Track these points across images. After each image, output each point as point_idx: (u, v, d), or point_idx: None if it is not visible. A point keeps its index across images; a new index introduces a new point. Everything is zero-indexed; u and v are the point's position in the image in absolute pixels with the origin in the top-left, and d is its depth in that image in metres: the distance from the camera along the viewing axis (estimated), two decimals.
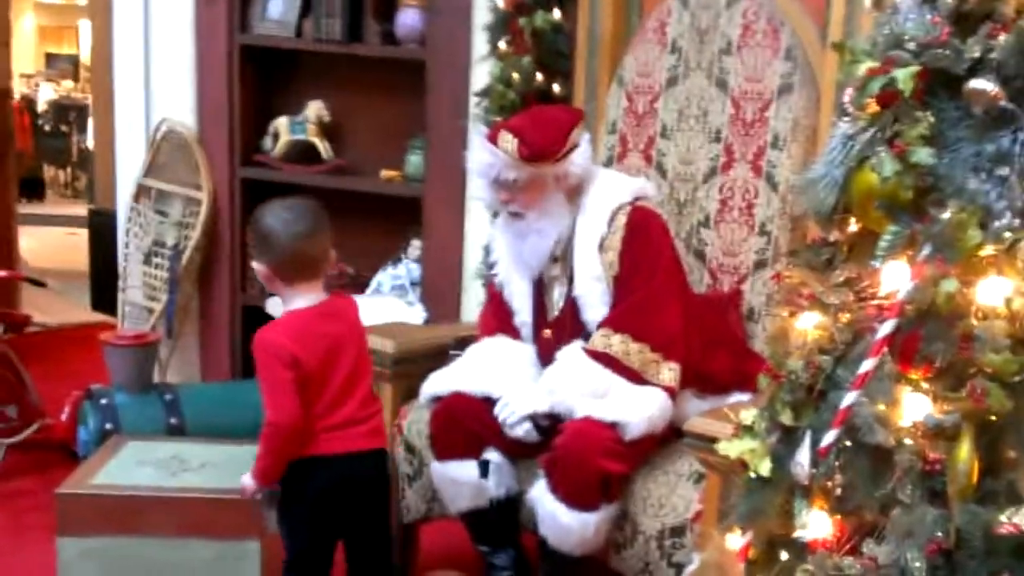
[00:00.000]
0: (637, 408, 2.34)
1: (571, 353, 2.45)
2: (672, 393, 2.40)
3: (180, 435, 3.17)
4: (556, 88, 3.10)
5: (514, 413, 2.42)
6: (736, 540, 1.65)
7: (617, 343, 2.40)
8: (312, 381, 2.21)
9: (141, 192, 4.00)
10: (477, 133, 2.53)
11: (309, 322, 2.24)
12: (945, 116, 1.53)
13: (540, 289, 2.60)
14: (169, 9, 3.92)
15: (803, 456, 1.57)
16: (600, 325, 2.45)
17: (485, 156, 2.46)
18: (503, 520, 2.55)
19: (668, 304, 2.45)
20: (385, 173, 3.77)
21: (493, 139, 2.46)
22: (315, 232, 2.25)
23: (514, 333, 2.64)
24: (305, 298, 2.26)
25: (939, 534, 1.42)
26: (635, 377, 2.39)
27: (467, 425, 2.50)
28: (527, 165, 2.43)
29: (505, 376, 2.51)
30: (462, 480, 2.51)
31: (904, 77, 1.52)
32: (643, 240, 2.47)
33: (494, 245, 2.72)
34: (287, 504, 2.32)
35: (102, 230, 5.41)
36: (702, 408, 2.36)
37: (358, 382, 2.28)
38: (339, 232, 3.87)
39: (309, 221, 2.25)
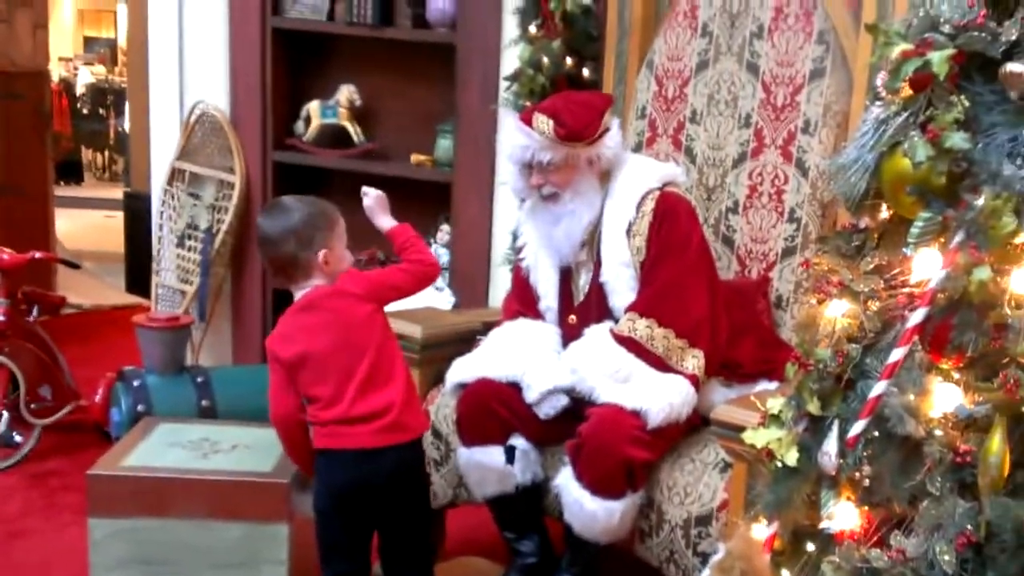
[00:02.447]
0: (658, 395, 2.33)
1: (597, 333, 2.44)
2: (695, 382, 2.39)
3: (211, 417, 3.19)
4: (586, 72, 3.08)
5: (539, 393, 2.42)
6: (762, 530, 1.64)
7: (642, 328, 2.39)
8: (300, 376, 2.22)
9: (175, 175, 4.03)
10: (510, 116, 2.52)
11: (290, 316, 2.28)
12: (980, 100, 1.51)
13: (566, 274, 2.59)
14: None
15: (830, 446, 1.56)
16: (627, 309, 2.44)
17: (520, 138, 2.46)
18: (528, 506, 2.55)
19: (696, 290, 2.43)
20: (415, 157, 3.76)
21: (527, 121, 2.45)
22: (281, 238, 2.22)
23: (538, 318, 2.63)
24: (298, 294, 2.30)
25: (969, 527, 1.40)
26: (658, 363, 2.37)
27: (493, 411, 2.49)
28: (562, 145, 2.43)
29: (529, 359, 2.50)
30: (488, 466, 2.51)
31: (938, 60, 1.50)
32: (671, 225, 2.45)
33: (522, 230, 2.71)
34: (314, 497, 2.33)
35: (137, 213, 5.46)
36: (728, 396, 2.35)
37: (352, 372, 2.20)
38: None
39: (278, 226, 2.24)
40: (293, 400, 2.25)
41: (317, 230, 2.25)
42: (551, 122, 2.42)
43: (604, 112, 2.50)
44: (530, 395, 2.44)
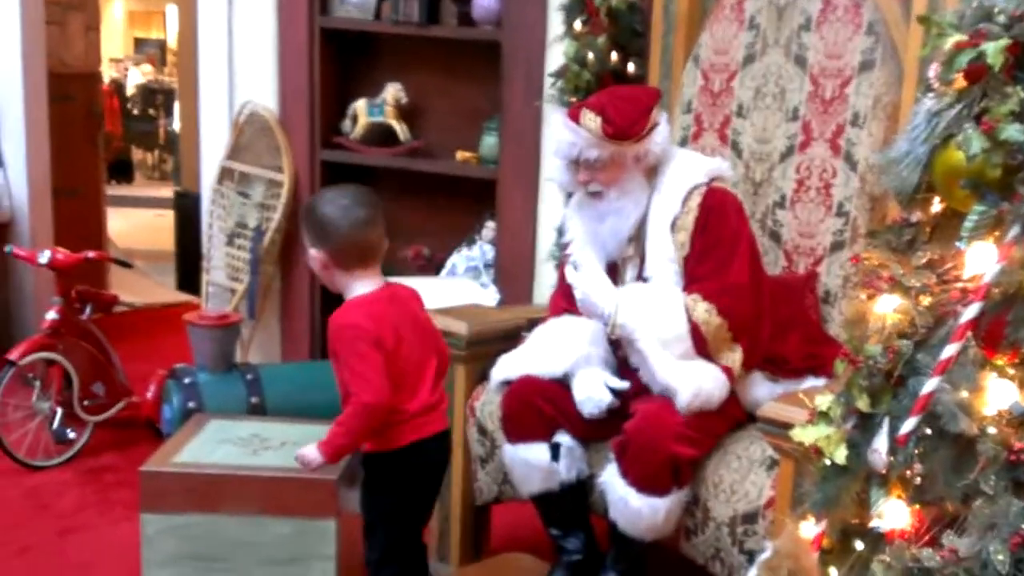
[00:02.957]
0: (690, 377, 2.32)
1: (666, 288, 2.42)
2: (729, 374, 2.37)
3: (261, 414, 3.22)
4: (631, 67, 3.07)
5: (596, 404, 2.42)
6: (810, 528, 1.62)
7: (702, 311, 2.37)
8: (392, 363, 2.20)
9: (224, 174, 4.07)
10: (557, 112, 2.50)
11: (379, 304, 2.24)
12: None
13: (612, 270, 2.58)
14: None
15: (880, 444, 1.53)
16: (692, 287, 2.41)
17: (567, 135, 2.44)
18: (573, 503, 2.55)
19: (751, 288, 2.42)
20: (460, 155, 3.77)
21: (575, 118, 2.44)
22: (373, 218, 2.23)
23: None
24: (365, 284, 2.26)
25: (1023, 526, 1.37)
26: (701, 347, 2.36)
27: (538, 408, 2.49)
28: (609, 143, 2.41)
29: (572, 355, 2.49)
30: (533, 463, 2.51)
31: (993, 51, 1.47)
32: (719, 221, 2.43)
33: (568, 225, 2.70)
34: (379, 497, 2.32)
35: (187, 212, 5.54)
36: (775, 392, 2.33)
37: (428, 361, 2.29)
38: (415, 213, 3.95)
39: (367, 208, 2.23)
40: (391, 386, 2.20)
41: (382, 215, 2.29)
42: (599, 119, 2.40)
43: (652, 108, 2.47)
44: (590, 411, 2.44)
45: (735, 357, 2.39)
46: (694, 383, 2.31)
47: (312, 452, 2.24)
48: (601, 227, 2.51)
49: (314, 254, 2.25)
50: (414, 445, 2.26)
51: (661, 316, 2.36)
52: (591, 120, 2.41)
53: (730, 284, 2.39)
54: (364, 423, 2.19)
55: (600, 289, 2.45)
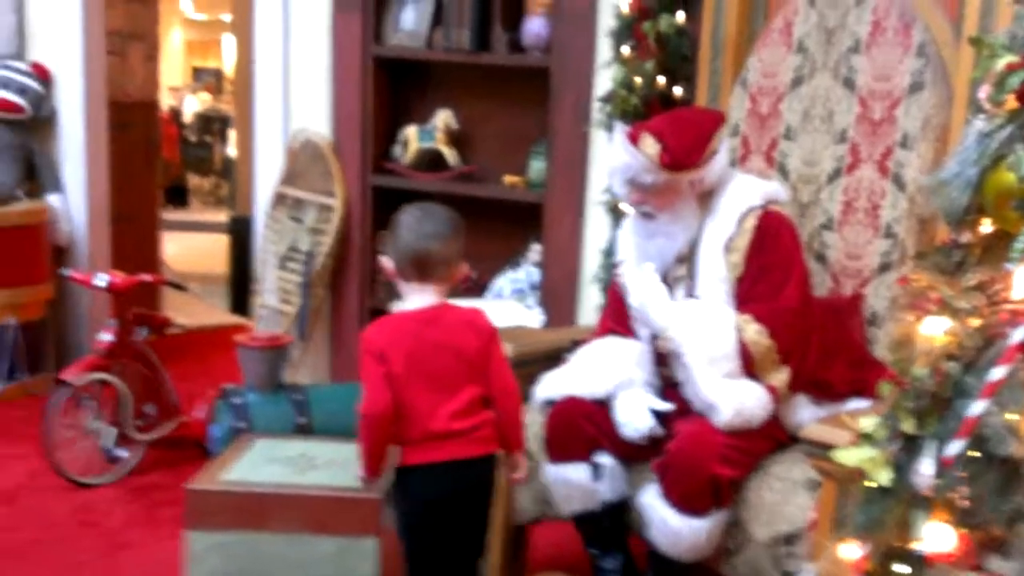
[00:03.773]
0: (732, 394, 2.30)
1: (716, 305, 2.40)
2: (775, 394, 2.35)
3: (308, 434, 3.24)
4: (678, 91, 3.07)
5: (636, 429, 2.41)
6: (851, 551, 1.59)
7: (752, 332, 2.35)
8: (399, 384, 2.21)
9: (278, 200, 4.13)
10: (619, 131, 2.47)
11: (404, 324, 2.26)
12: None
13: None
14: (307, 23, 4.05)
15: (925, 466, 1.51)
16: (744, 308, 2.39)
17: (624, 156, 2.42)
18: (613, 523, 2.54)
19: (802, 313, 2.40)
20: (508, 179, 3.80)
21: (635, 139, 2.42)
22: (437, 235, 2.25)
23: (630, 335, 2.61)
24: (415, 299, 2.28)
25: None
26: (749, 367, 2.34)
27: (580, 428, 2.49)
28: (665, 171, 2.39)
29: (616, 376, 2.49)
30: (574, 482, 2.50)
31: None
32: (774, 244, 2.42)
33: (620, 245, 2.70)
34: (395, 510, 2.36)
35: (241, 236, 5.63)
36: (818, 414, 2.30)
37: (457, 390, 2.25)
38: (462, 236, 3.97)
39: (435, 224, 2.26)
40: (392, 399, 2.22)
41: (463, 240, 2.31)
42: (658, 146, 2.37)
43: (713, 135, 2.45)
44: (623, 425, 2.43)
45: (781, 377, 2.37)
46: (736, 401, 2.29)
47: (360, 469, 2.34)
48: (649, 244, 2.51)
49: (383, 260, 2.31)
50: (415, 467, 2.26)
51: (711, 333, 2.35)
52: (650, 146, 2.38)
53: (782, 308, 2.37)
54: (368, 433, 2.26)
55: (657, 299, 2.42)
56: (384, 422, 2.23)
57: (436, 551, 2.34)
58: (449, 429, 2.24)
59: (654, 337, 2.44)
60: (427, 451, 2.25)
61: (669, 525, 2.29)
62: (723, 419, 2.28)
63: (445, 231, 2.25)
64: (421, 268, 2.25)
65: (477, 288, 3.81)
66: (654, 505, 2.32)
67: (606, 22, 3.31)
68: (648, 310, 2.42)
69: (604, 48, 3.33)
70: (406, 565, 2.35)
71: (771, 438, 2.37)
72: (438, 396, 2.23)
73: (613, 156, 2.48)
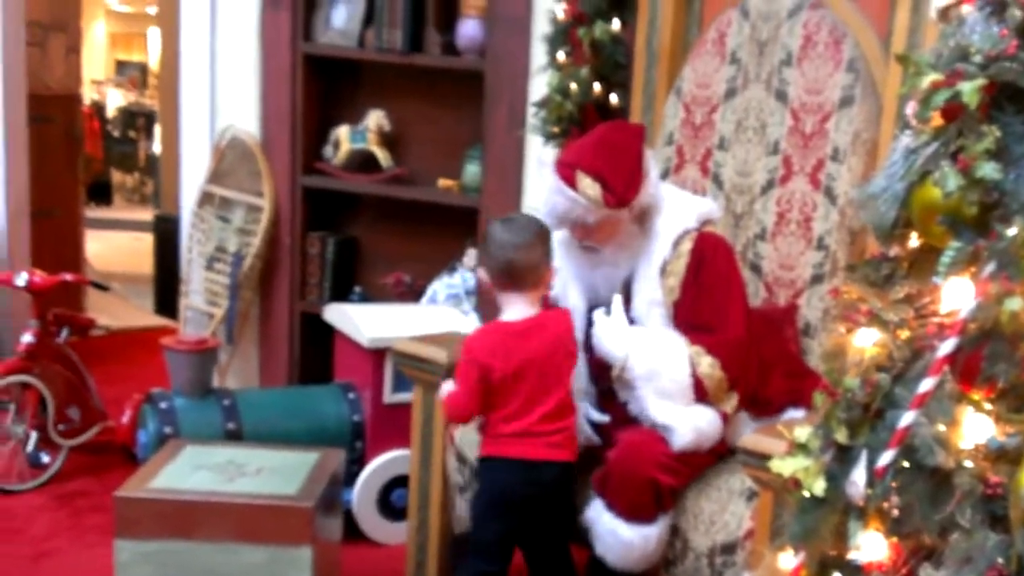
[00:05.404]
0: (688, 420, 2.32)
1: (668, 337, 2.40)
2: (725, 419, 2.39)
3: (237, 440, 3.20)
4: (613, 99, 3.09)
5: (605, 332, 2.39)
6: (788, 560, 1.62)
7: (706, 365, 2.36)
8: (498, 390, 2.33)
9: (205, 198, 4.06)
10: (551, 172, 2.40)
11: (507, 338, 2.35)
12: (1011, 131, 1.50)
13: (593, 306, 2.56)
14: (235, 18, 3.98)
15: (858, 476, 1.54)
16: (694, 340, 2.38)
17: (562, 202, 2.36)
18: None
19: (747, 341, 2.42)
20: (443, 182, 3.78)
21: (569, 180, 2.35)
22: (531, 244, 2.33)
23: None
24: (513, 310, 2.37)
25: (1000, 560, 1.39)
26: (702, 397, 2.37)
27: None
28: (609, 209, 2.35)
29: None
30: None
31: (969, 90, 1.49)
32: (712, 269, 2.42)
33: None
34: (475, 496, 2.49)
35: (167, 235, 5.51)
36: (756, 427, 2.33)
37: (547, 395, 2.35)
38: (396, 241, 3.95)
39: (527, 233, 2.33)
40: (478, 407, 2.38)
41: (551, 245, 2.39)
42: (598, 187, 2.33)
43: (642, 156, 2.42)
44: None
45: (732, 403, 2.40)
46: (692, 425, 2.33)
47: (445, 389, 2.42)
48: (594, 275, 2.50)
49: (479, 273, 2.39)
50: (496, 460, 2.38)
51: (667, 368, 2.35)
52: (590, 188, 2.33)
53: (732, 339, 2.39)
54: (447, 414, 2.50)
55: (615, 336, 2.38)
56: (459, 421, 2.41)
57: (507, 539, 2.42)
58: (534, 430, 2.34)
59: (604, 369, 2.43)
60: (510, 446, 2.35)
61: (620, 536, 2.30)
62: (681, 442, 2.30)
63: (529, 239, 2.33)
64: (512, 277, 2.34)
65: (412, 293, 3.79)
66: (601, 519, 2.34)
67: (541, 27, 3.31)
68: (607, 346, 2.38)
69: (539, 53, 3.33)
70: (471, 551, 2.47)
71: (712, 452, 2.39)
72: (533, 399, 2.34)
73: (548, 199, 2.41)
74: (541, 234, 2.36)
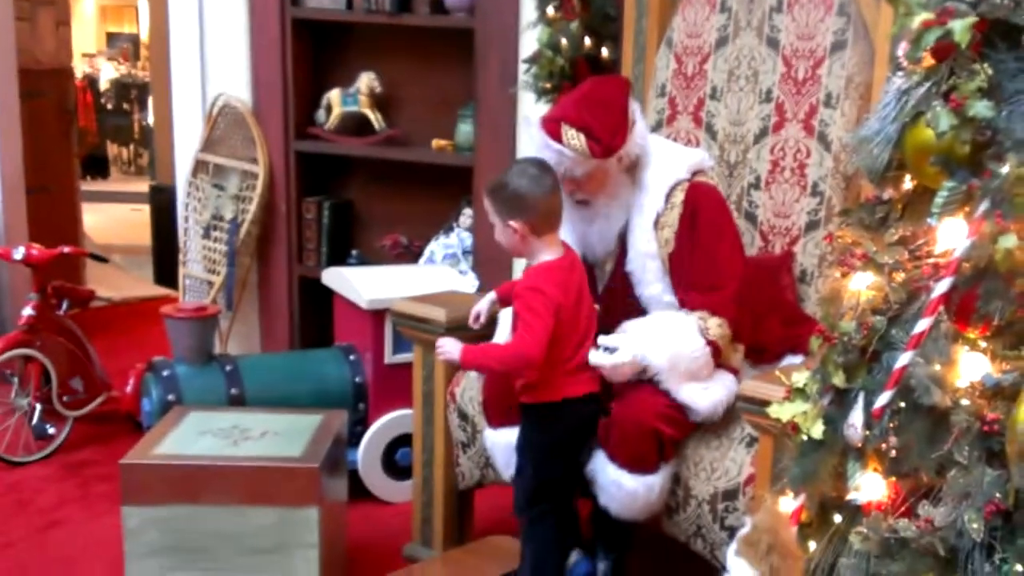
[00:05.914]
0: (709, 393, 2.35)
1: (670, 319, 2.39)
2: (736, 374, 2.41)
3: (240, 405, 3.22)
4: (604, 52, 3.07)
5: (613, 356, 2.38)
6: (789, 503, 1.64)
7: (715, 327, 2.36)
8: (565, 325, 2.32)
9: (199, 167, 4.05)
10: (536, 128, 2.40)
11: (564, 272, 2.34)
12: (1004, 68, 1.49)
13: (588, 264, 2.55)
14: None
15: (856, 418, 1.55)
16: (694, 306, 2.38)
17: (550, 155, 2.35)
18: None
19: (739, 284, 2.42)
20: (436, 143, 3.77)
21: (555, 134, 2.34)
22: (554, 185, 2.34)
23: None
24: (552, 249, 2.35)
25: (997, 495, 1.40)
26: (718, 359, 2.39)
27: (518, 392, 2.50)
28: (596, 159, 2.35)
29: None
30: (514, 447, 2.51)
31: (960, 28, 1.48)
32: (705, 219, 2.41)
33: None
34: (538, 440, 2.43)
35: (163, 205, 5.51)
36: (754, 374, 2.34)
37: (591, 327, 2.38)
38: (391, 202, 3.95)
39: (546, 177, 2.33)
40: (547, 350, 2.31)
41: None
42: (583, 137, 2.32)
43: (627, 107, 2.40)
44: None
45: (738, 357, 2.42)
46: (712, 399, 2.35)
47: (454, 346, 2.35)
48: (589, 230, 2.48)
49: (513, 225, 2.31)
50: (567, 400, 2.36)
51: (684, 347, 2.34)
52: (574, 138, 2.33)
53: (731, 293, 2.39)
54: (511, 366, 2.35)
55: (626, 355, 2.33)
56: (531, 368, 2.32)
57: (564, 477, 2.43)
58: (585, 363, 2.35)
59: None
60: (570, 385, 2.35)
61: (624, 487, 2.32)
62: (701, 414, 2.34)
63: (551, 180, 2.34)
64: (551, 219, 2.34)
65: (409, 254, 3.80)
66: (605, 470, 2.35)
67: None
68: (617, 371, 2.34)
69: (529, 8, 3.31)
70: (530, 490, 2.45)
71: None
72: (585, 333, 2.36)
73: (535, 152, 2.40)
74: (551, 170, 2.36)
